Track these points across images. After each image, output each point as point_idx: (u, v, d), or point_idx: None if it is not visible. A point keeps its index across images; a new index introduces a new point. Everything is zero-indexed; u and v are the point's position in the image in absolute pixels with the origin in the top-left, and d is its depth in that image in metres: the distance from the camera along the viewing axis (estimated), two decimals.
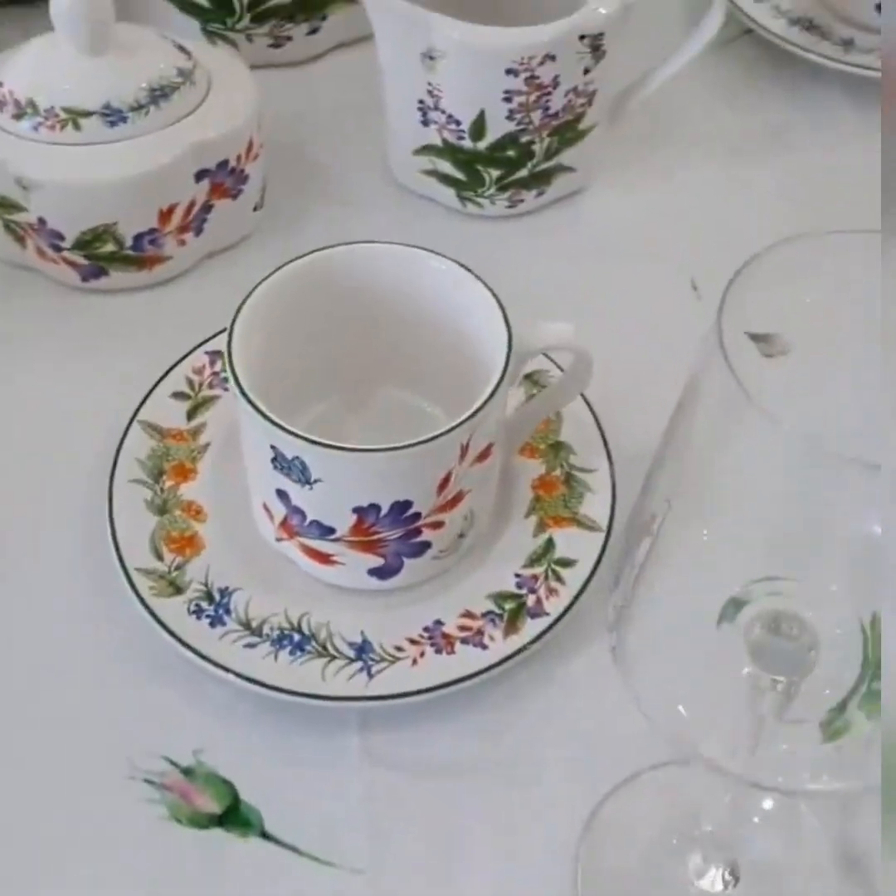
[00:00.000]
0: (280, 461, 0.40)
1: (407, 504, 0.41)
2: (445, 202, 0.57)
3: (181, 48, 0.53)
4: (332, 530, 0.42)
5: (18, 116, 0.50)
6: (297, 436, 0.39)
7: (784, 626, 0.32)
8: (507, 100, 0.52)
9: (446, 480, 0.41)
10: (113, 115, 0.50)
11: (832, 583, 0.31)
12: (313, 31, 0.63)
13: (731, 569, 0.32)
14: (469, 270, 0.43)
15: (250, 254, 0.56)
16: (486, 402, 0.40)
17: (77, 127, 0.50)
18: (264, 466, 0.41)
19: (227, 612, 0.43)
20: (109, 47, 0.51)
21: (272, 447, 0.40)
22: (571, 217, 0.58)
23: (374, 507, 0.41)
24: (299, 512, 0.42)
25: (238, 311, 0.42)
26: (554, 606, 0.43)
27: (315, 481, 0.40)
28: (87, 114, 0.50)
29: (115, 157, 0.50)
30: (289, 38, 0.63)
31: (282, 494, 0.42)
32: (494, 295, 0.42)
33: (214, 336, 0.50)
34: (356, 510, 0.41)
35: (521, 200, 0.56)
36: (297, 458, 0.40)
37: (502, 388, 0.40)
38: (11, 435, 0.49)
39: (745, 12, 0.64)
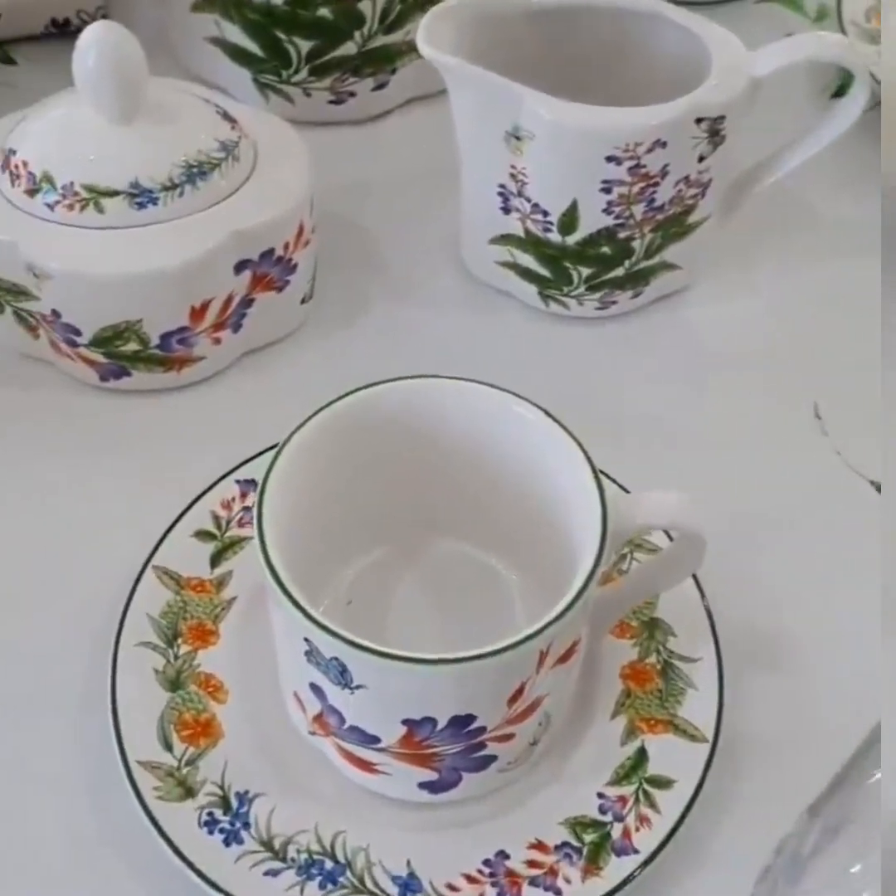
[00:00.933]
0: (315, 657, 0.33)
1: (469, 718, 0.33)
2: (525, 299, 0.49)
3: (225, 115, 0.46)
4: (376, 739, 0.34)
5: (32, 192, 0.43)
6: (337, 636, 0.31)
7: None
8: (606, 191, 0.44)
9: (519, 692, 0.33)
10: (141, 196, 0.43)
11: None
12: (380, 87, 0.55)
13: None
14: (560, 424, 0.35)
15: (296, 352, 0.48)
16: (573, 601, 0.32)
17: (99, 208, 0.43)
18: (297, 656, 0.34)
19: (246, 825, 0.35)
20: (140, 113, 0.43)
21: (306, 640, 0.33)
22: (672, 322, 0.49)
23: (429, 721, 0.33)
24: (336, 713, 0.34)
25: (273, 461, 0.34)
26: (645, 841, 0.35)
27: (357, 687, 0.32)
28: (112, 193, 0.43)
29: (142, 246, 0.43)
30: (352, 94, 0.55)
31: (316, 689, 0.34)
32: (590, 461, 0.34)
33: (249, 460, 0.43)
34: (406, 722, 0.33)
35: (614, 302, 0.48)
36: (336, 659, 0.32)
37: (593, 581, 0.32)
38: (5, 567, 0.42)
39: (878, 80, 0.55)
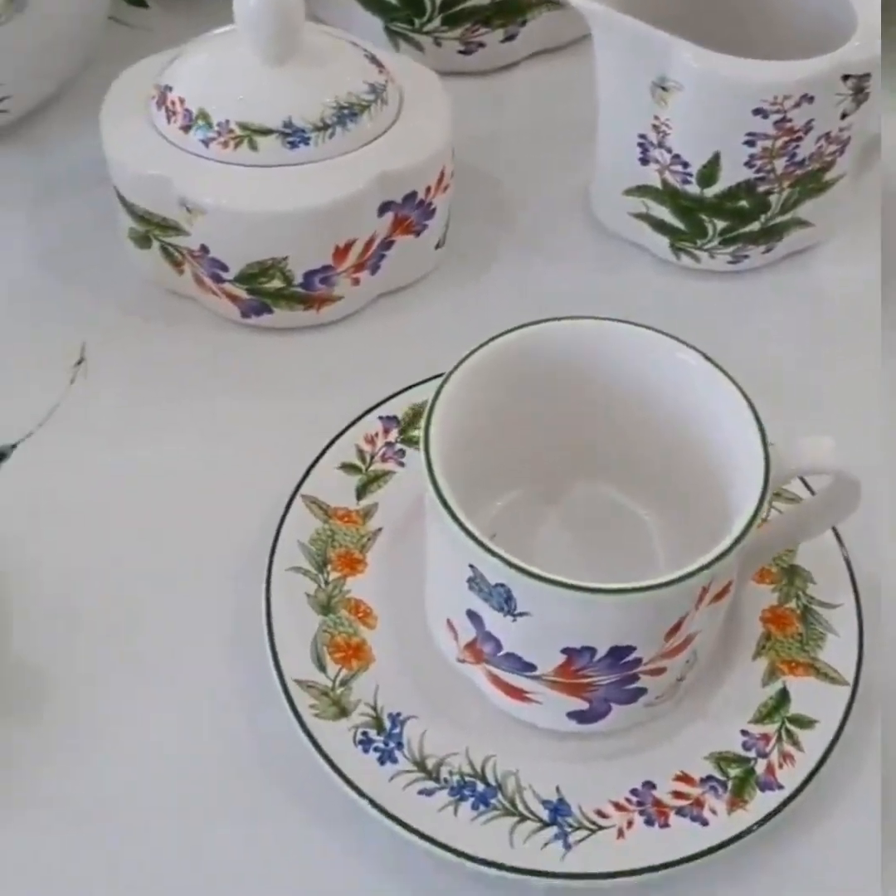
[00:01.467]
0: (479, 583, 0.34)
1: (628, 649, 0.34)
2: (655, 251, 0.50)
3: (373, 59, 0.46)
4: (532, 667, 0.35)
5: (187, 128, 0.44)
6: (507, 563, 0.32)
7: None
8: (750, 143, 0.44)
9: (678, 626, 0.34)
10: (294, 135, 0.44)
11: None
12: (509, 38, 0.56)
13: None
14: (723, 370, 0.36)
15: (428, 296, 0.49)
16: (737, 539, 0.33)
17: (253, 146, 0.44)
18: (456, 583, 0.35)
19: (399, 746, 0.36)
20: (295, 54, 0.44)
21: (471, 566, 0.34)
22: (802, 279, 0.50)
23: (589, 650, 0.34)
24: (493, 640, 0.35)
25: (436, 395, 0.35)
26: (789, 777, 0.36)
27: (520, 614, 0.33)
28: (266, 131, 0.44)
29: (294, 184, 0.44)
30: (481, 44, 0.56)
31: (474, 616, 0.35)
32: (752, 406, 0.35)
33: (392, 397, 0.44)
34: (566, 651, 0.34)
35: (746, 256, 0.49)
36: (502, 585, 0.33)
37: (756, 521, 0.33)
38: (156, 497, 0.43)
39: None
